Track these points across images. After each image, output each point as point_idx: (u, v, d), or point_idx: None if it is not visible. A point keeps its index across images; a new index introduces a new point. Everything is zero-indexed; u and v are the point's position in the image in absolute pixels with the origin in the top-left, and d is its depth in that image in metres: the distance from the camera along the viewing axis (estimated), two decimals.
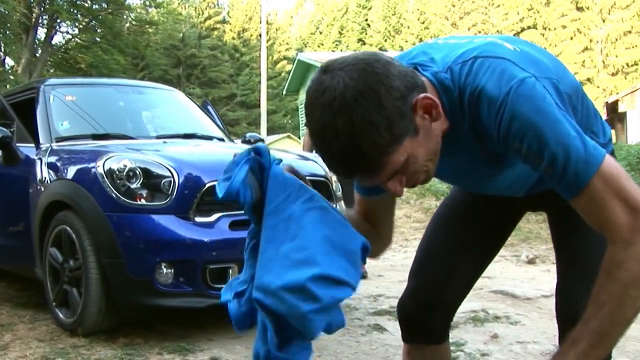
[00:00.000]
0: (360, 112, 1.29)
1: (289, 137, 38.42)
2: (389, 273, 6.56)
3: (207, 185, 3.93)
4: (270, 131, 40.39)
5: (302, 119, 6.72)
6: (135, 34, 36.51)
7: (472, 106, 1.45)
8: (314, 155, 5.21)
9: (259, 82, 34.87)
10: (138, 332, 4.07)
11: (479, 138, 1.51)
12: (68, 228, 4.08)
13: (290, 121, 51.09)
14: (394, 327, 4.27)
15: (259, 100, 33.63)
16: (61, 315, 4.17)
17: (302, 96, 23.68)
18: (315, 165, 4.73)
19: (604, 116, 34.41)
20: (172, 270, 3.82)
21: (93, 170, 4.00)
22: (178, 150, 4.61)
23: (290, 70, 25.44)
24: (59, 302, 4.22)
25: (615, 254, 1.34)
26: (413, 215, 10.66)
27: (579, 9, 47.65)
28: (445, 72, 1.48)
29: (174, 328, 4.21)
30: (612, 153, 1.69)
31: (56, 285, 4.25)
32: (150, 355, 3.66)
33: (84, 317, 3.94)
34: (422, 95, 1.38)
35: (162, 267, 3.80)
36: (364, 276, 6.25)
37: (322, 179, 4.57)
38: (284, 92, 29.08)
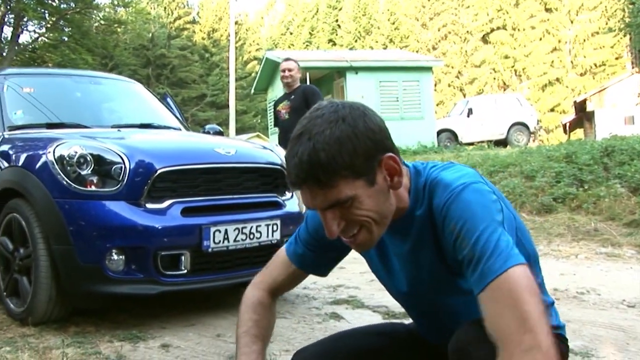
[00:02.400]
0: (337, 131, 1.46)
1: (258, 136, 38.44)
2: (351, 265, 6.49)
3: (158, 172, 3.88)
4: (240, 131, 40.35)
5: (272, 119, 6.91)
6: (104, 33, 36.14)
7: (431, 189, 1.60)
8: (270, 145, 5.20)
9: (229, 82, 34.78)
10: (90, 321, 4.01)
11: (432, 226, 1.60)
12: (18, 216, 4.01)
13: (260, 121, 50.95)
14: (351, 315, 4.27)
15: (229, 100, 33.55)
16: (11, 305, 4.09)
17: (270, 95, 23.62)
18: (271, 154, 4.71)
19: (573, 115, 34.85)
20: (123, 257, 3.76)
21: (44, 157, 3.93)
22: (131, 137, 4.55)
23: (259, 69, 25.36)
24: (9, 291, 4.15)
25: None
26: None
27: (548, 10, 48.15)
28: (423, 165, 1.69)
29: (127, 317, 4.15)
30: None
31: (7, 274, 4.17)
32: (100, 342, 3.60)
33: (33, 306, 3.87)
34: (389, 154, 1.54)
35: (113, 253, 3.74)
36: None
37: (278, 167, 4.55)
38: (252, 91, 28.95)
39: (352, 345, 1.94)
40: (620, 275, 5.73)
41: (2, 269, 4.22)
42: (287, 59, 7.16)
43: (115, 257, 3.75)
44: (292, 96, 6.76)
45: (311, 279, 5.89)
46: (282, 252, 1.97)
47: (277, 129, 7.22)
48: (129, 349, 3.51)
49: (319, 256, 1.90)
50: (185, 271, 3.91)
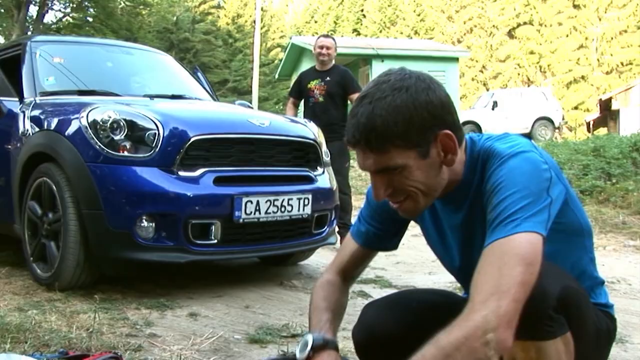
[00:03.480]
0: (398, 99, 1.48)
1: None
2: None
3: (192, 139, 3.85)
4: None
5: (289, 89, 6.66)
6: (129, 14, 36.11)
7: (484, 159, 1.62)
8: (303, 120, 5.13)
9: (252, 69, 34.73)
10: (116, 289, 3.98)
11: (482, 195, 1.60)
12: (48, 180, 3.98)
13: (281, 108, 50.87)
14: (379, 294, 4.19)
15: (251, 87, 33.47)
16: (38, 270, 4.08)
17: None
18: (305, 128, 4.66)
19: (597, 114, 34.52)
20: (154, 224, 3.73)
21: (77, 121, 3.90)
22: (165, 105, 4.51)
23: (284, 54, 25.29)
24: (36, 256, 4.13)
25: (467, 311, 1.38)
26: None
27: (576, 6, 47.60)
28: (479, 137, 1.70)
29: (153, 287, 4.12)
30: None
31: (34, 239, 4.15)
32: (127, 310, 3.57)
33: (61, 271, 3.84)
34: (446, 131, 1.54)
35: (143, 220, 3.72)
36: None
37: (311, 141, 4.50)
38: (277, 77, 28.91)
39: (423, 298, 2.00)
40: (636, 267, 5.65)
41: (29, 234, 4.20)
42: (325, 35, 6.93)
43: (145, 223, 3.72)
44: (328, 77, 6.42)
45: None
46: (348, 235, 2.01)
47: (290, 99, 6.89)
48: (157, 317, 3.47)
49: (382, 230, 1.92)
50: (215, 241, 3.88)
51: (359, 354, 1.96)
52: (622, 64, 46.34)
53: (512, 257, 1.38)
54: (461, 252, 1.78)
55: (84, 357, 2.50)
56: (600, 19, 47.19)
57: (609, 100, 33.33)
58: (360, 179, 11.75)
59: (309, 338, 1.70)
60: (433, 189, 1.59)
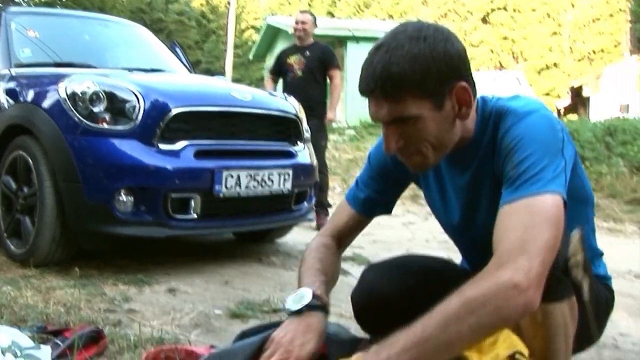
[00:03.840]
0: (415, 49, 1.46)
1: None
2: None
3: (173, 112, 3.78)
4: None
5: (269, 66, 6.67)
6: None
7: (497, 118, 1.60)
8: (283, 95, 5.09)
9: (225, 50, 34.46)
10: (92, 265, 3.91)
11: (493, 154, 1.59)
12: (24, 153, 3.90)
13: None
14: (357, 271, 4.15)
15: (224, 68, 33.23)
16: (12, 247, 3.99)
17: (268, 62, 23.36)
18: (286, 103, 4.62)
19: (568, 100, 34.84)
20: (132, 198, 3.66)
21: (54, 93, 3.82)
22: (145, 77, 4.43)
23: (259, 34, 25.09)
24: (10, 232, 4.04)
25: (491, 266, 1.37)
26: None
27: None
28: (489, 97, 1.69)
29: (131, 262, 4.05)
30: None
31: (8, 215, 4.06)
32: (104, 285, 3.50)
33: (36, 247, 3.77)
34: (462, 83, 1.51)
35: (122, 193, 3.64)
36: None
37: (293, 116, 4.46)
38: (251, 57, 28.68)
39: (423, 262, 1.98)
40: (623, 248, 5.73)
41: (3, 210, 4.11)
42: (302, 11, 6.94)
43: (124, 197, 3.65)
44: (307, 53, 6.43)
45: (312, 236, 5.80)
46: (342, 201, 1.99)
47: (269, 75, 6.94)
48: (135, 292, 3.42)
49: (382, 192, 1.91)
50: (195, 215, 3.83)
51: (358, 317, 1.94)
52: (593, 51, 46.75)
53: (542, 220, 1.36)
54: (463, 212, 1.76)
55: (64, 331, 2.44)
56: (573, 6, 47.50)
57: (580, 87, 33.64)
58: (333, 160, 11.71)
59: (307, 293, 1.65)
60: (444, 143, 1.57)
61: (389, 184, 1.88)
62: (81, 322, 2.70)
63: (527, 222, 1.36)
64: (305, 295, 1.64)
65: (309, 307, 1.61)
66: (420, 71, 1.45)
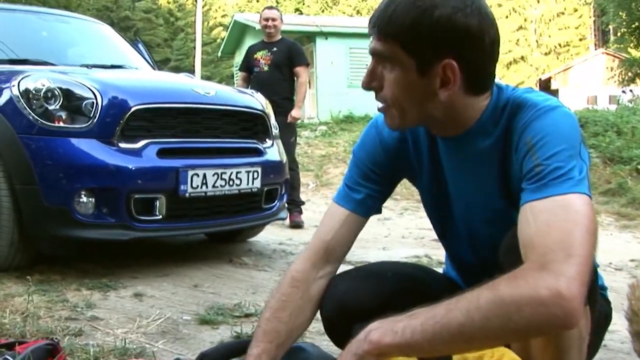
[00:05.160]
0: (425, 4, 1.38)
1: None
2: None
3: (133, 109, 3.64)
4: None
5: (239, 63, 6.69)
6: None
7: (513, 108, 1.49)
8: (250, 91, 4.99)
9: (194, 48, 34.28)
10: (54, 270, 3.75)
11: (504, 146, 1.50)
12: None
13: None
14: None
15: (194, 66, 33.08)
16: None
17: (237, 59, 23.20)
18: (252, 99, 4.49)
19: None
20: (93, 199, 3.52)
21: (7, 90, 3.65)
22: (103, 74, 4.26)
23: (227, 32, 24.92)
24: None
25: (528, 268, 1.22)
26: None
27: None
28: (505, 86, 1.58)
29: (95, 266, 3.89)
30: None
31: None
32: (67, 291, 3.34)
33: None
34: (453, 62, 1.40)
35: (82, 195, 3.50)
36: (300, 226, 6.23)
37: (259, 112, 4.34)
38: (219, 55, 28.53)
39: (397, 269, 1.82)
40: (601, 240, 5.63)
41: None
42: (270, 7, 6.88)
43: (84, 199, 3.51)
44: (275, 48, 6.43)
45: (286, 235, 5.71)
46: (331, 207, 1.76)
47: (240, 73, 6.88)
48: (99, 298, 3.26)
49: (376, 191, 1.74)
50: (160, 217, 3.71)
51: (330, 333, 1.75)
52: (560, 45, 47.40)
53: (582, 223, 1.24)
54: (460, 199, 1.66)
55: (18, 344, 2.28)
56: (538, 1, 48.01)
57: (548, 80, 34.03)
58: (306, 156, 11.59)
59: None
60: (410, 110, 1.48)
61: (382, 177, 1.73)
62: (39, 333, 2.55)
63: (568, 224, 1.24)
64: None
65: None
66: (416, 29, 1.40)
